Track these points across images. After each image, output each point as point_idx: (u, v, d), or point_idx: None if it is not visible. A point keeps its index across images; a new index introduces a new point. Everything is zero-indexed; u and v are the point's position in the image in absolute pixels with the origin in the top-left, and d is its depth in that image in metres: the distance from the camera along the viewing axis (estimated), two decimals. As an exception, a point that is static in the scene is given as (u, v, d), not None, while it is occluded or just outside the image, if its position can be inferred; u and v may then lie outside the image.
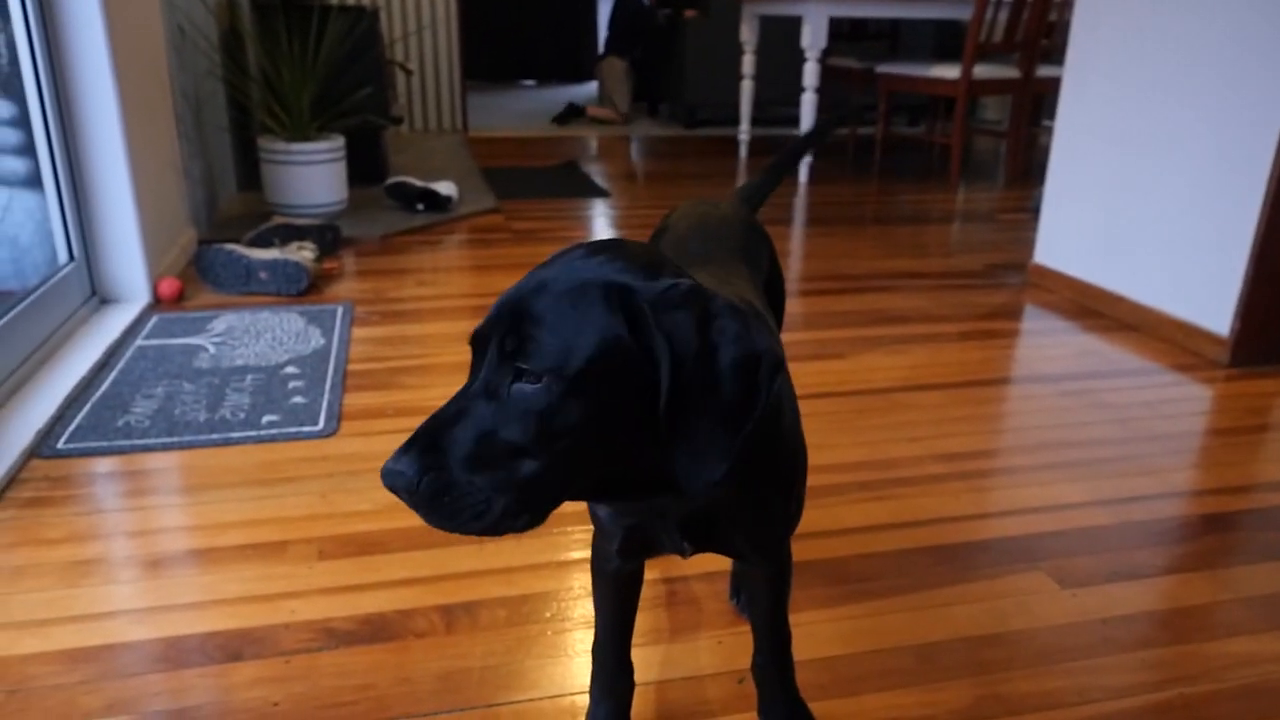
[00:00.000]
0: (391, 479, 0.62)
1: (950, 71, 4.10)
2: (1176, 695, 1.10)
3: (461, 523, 0.63)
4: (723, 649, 1.16)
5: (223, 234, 2.96)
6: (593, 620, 1.20)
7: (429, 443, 0.62)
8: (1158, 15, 2.31)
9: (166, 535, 1.38)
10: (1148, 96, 2.36)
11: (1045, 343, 2.30)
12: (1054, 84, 4.27)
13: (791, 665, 1.00)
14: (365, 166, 3.72)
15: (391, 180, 3.47)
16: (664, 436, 0.64)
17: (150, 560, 1.32)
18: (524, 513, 0.64)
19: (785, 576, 0.96)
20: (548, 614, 1.22)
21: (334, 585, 1.27)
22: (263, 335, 2.18)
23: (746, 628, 1.20)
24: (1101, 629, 1.22)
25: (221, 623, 1.19)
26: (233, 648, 1.14)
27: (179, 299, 2.43)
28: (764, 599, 0.97)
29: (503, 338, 0.63)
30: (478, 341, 0.66)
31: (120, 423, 1.72)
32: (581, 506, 1.02)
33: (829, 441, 1.73)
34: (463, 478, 0.62)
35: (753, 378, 0.64)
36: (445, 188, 3.47)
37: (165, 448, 1.64)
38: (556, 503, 0.66)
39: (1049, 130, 5.67)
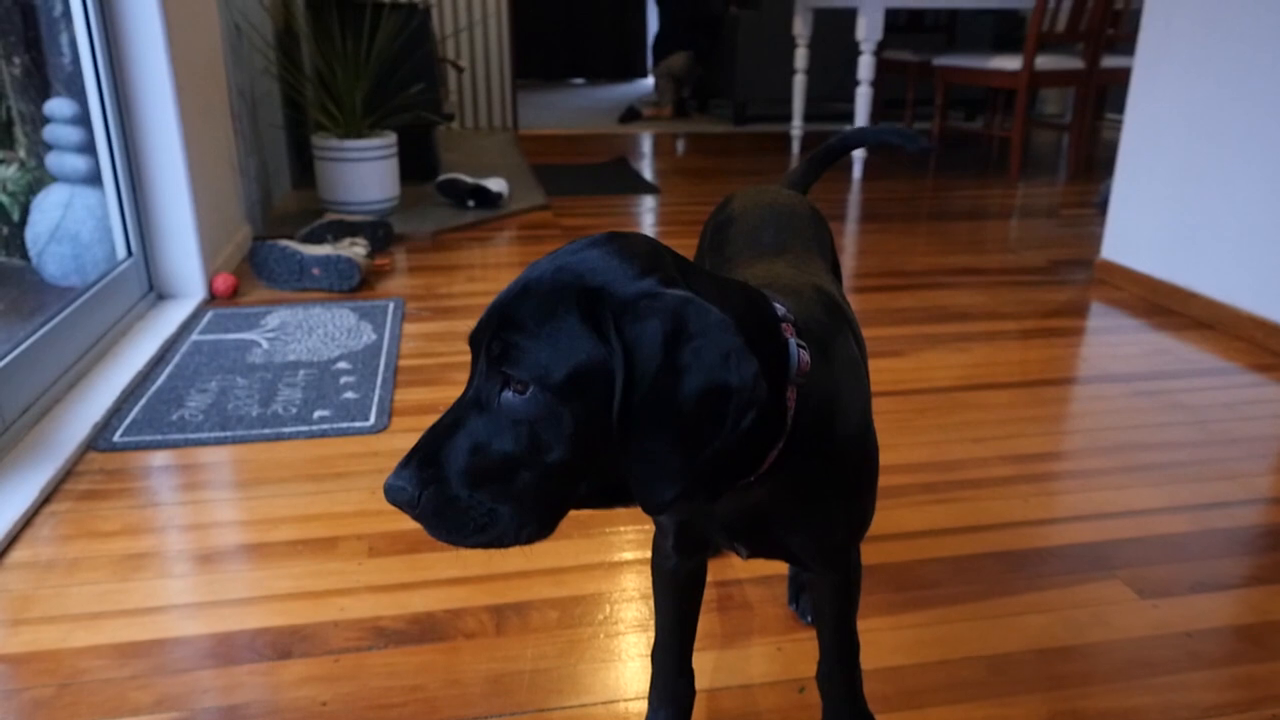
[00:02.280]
0: (393, 495, 0.61)
1: (1011, 63, 3.99)
2: (1270, 716, 1.03)
3: (465, 536, 0.62)
4: (782, 656, 1.11)
5: (277, 231, 2.98)
6: (647, 624, 1.16)
7: (427, 456, 0.62)
8: (1234, 3, 2.20)
9: (218, 530, 1.38)
10: (1224, 84, 2.25)
11: (1115, 341, 2.21)
12: (1119, 75, 4.13)
13: (859, 676, 0.95)
14: (417, 164, 3.73)
15: (442, 177, 3.47)
16: (617, 450, 0.61)
17: (202, 555, 1.32)
18: (528, 524, 0.62)
19: (853, 585, 0.91)
20: (600, 616, 1.19)
21: (384, 583, 1.25)
22: (315, 331, 2.18)
23: (807, 634, 1.15)
24: (1186, 643, 1.15)
25: (271, 619, 1.18)
26: (282, 645, 1.13)
27: (234, 295, 2.45)
28: (829, 607, 0.92)
29: (489, 344, 0.61)
30: (473, 343, 0.64)
31: (175, 417, 1.73)
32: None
33: (889, 441, 1.67)
34: (463, 491, 0.61)
35: (719, 411, 0.59)
36: (496, 184, 3.46)
37: (218, 442, 1.64)
38: (562, 512, 0.64)
39: (1112, 124, 5.52)
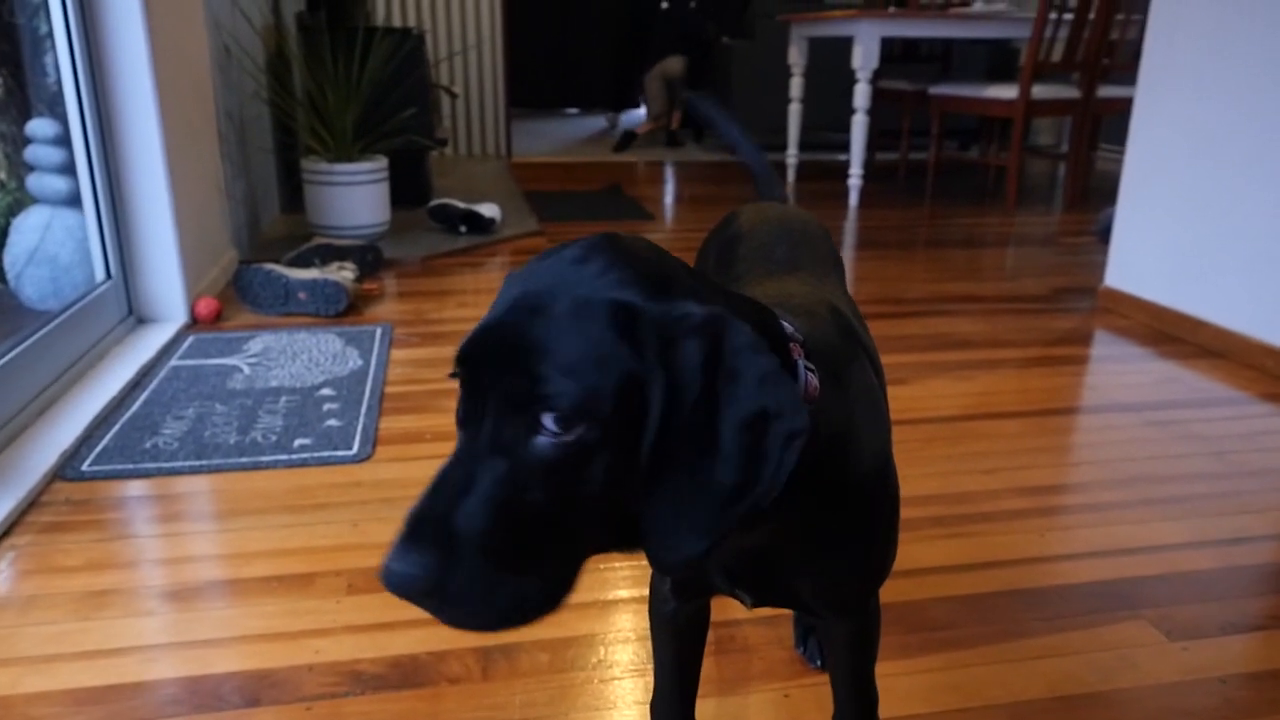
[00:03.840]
0: (400, 584, 0.49)
1: (1008, 92, 3.97)
2: (1317, 770, 0.96)
3: (496, 620, 0.51)
4: (789, 704, 1.04)
5: (265, 255, 2.91)
6: (645, 667, 1.09)
7: (437, 529, 0.50)
8: (1238, 25, 2.17)
9: (187, 565, 1.30)
10: (1229, 108, 2.22)
11: (1122, 369, 2.15)
12: (1115, 105, 4.12)
13: (876, 729, 0.88)
14: (409, 189, 3.68)
15: (434, 202, 3.42)
16: (640, 493, 0.53)
17: (168, 592, 1.23)
18: (560, 589, 0.53)
19: (871, 635, 0.83)
20: (594, 660, 1.11)
21: (362, 623, 1.17)
22: (299, 356, 2.11)
23: (816, 679, 1.07)
24: (1221, 690, 1.07)
25: (240, 663, 1.09)
26: (251, 691, 1.05)
27: (217, 319, 2.38)
28: (844, 658, 0.84)
29: (506, 378, 0.51)
30: (469, 372, 0.53)
31: (148, 444, 1.65)
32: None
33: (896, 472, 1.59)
34: (489, 565, 0.50)
35: (758, 443, 0.52)
36: (488, 210, 3.41)
37: (192, 471, 1.56)
38: (581, 568, 0.55)
39: (1106, 155, 5.51)
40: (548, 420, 0.50)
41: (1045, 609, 1.22)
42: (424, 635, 1.15)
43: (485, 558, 0.50)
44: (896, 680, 1.08)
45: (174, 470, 1.56)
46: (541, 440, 0.50)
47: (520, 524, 0.51)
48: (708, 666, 1.09)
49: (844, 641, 0.83)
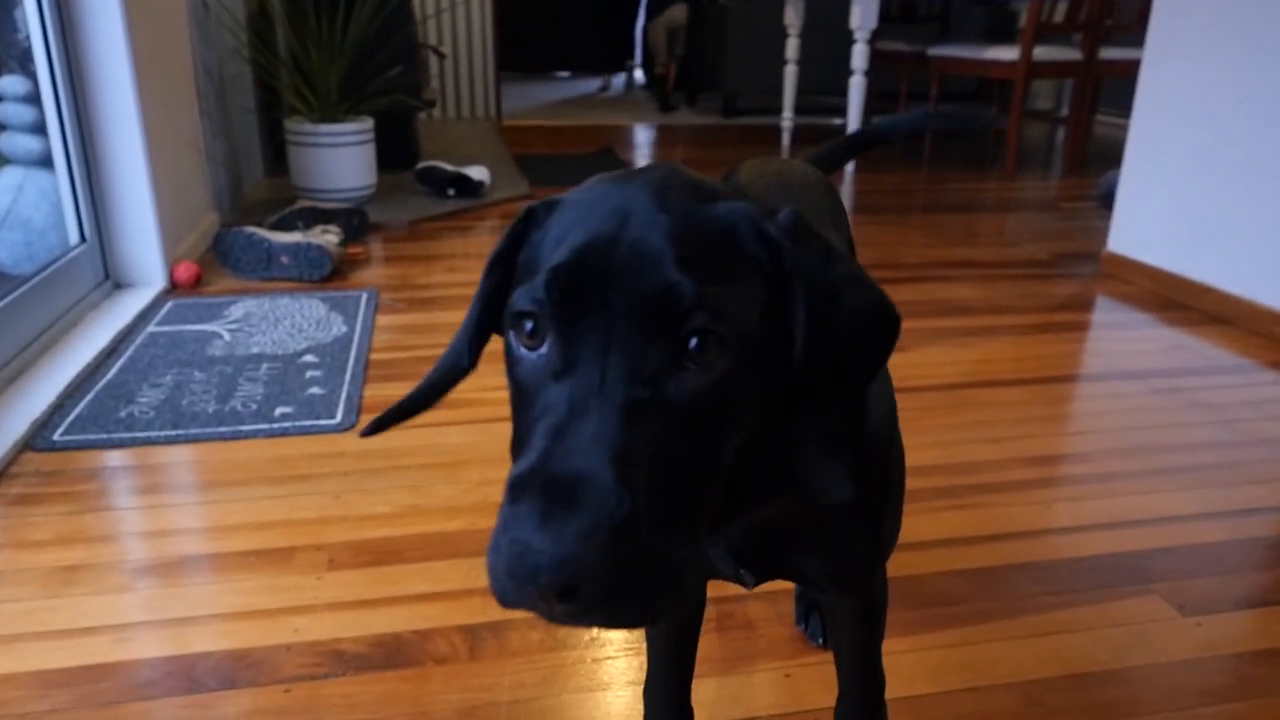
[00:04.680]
0: (559, 567, 0.38)
1: (1008, 53, 3.88)
2: (1339, 751, 0.92)
3: (659, 608, 0.42)
4: (791, 684, 0.99)
5: (247, 218, 2.83)
6: (639, 646, 1.04)
7: (583, 492, 0.40)
8: (1255, -23, 2.10)
9: (162, 539, 1.24)
10: (1238, 71, 2.15)
11: (1126, 336, 2.10)
12: (1116, 67, 4.04)
13: (884, 713, 0.83)
14: (396, 151, 3.58)
15: (422, 165, 3.33)
16: (785, 422, 0.49)
17: (141, 567, 1.18)
18: (701, 563, 0.47)
19: (878, 612, 0.79)
20: (586, 638, 1.06)
21: (344, 600, 1.12)
22: (281, 322, 2.04)
23: (819, 657, 1.03)
24: (1238, 666, 1.03)
25: (216, 642, 1.04)
26: (227, 673, 1.00)
27: (196, 284, 2.30)
28: (849, 638, 0.80)
29: (643, 295, 0.43)
30: (577, 301, 0.44)
31: (123, 413, 1.59)
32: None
33: (897, 442, 1.55)
34: (655, 534, 0.41)
35: (886, 337, 0.51)
36: (477, 173, 3.33)
37: (169, 441, 1.50)
38: None
39: (1103, 121, 5.43)
40: (703, 342, 0.44)
41: (1054, 583, 1.18)
42: (409, 612, 1.10)
43: (653, 526, 0.41)
44: (902, 658, 1.04)
45: (150, 440, 1.50)
46: (696, 374, 0.44)
47: (674, 481, 0.43)
48: (707, 645, 1.05)
49: (850, 619, 0.78)
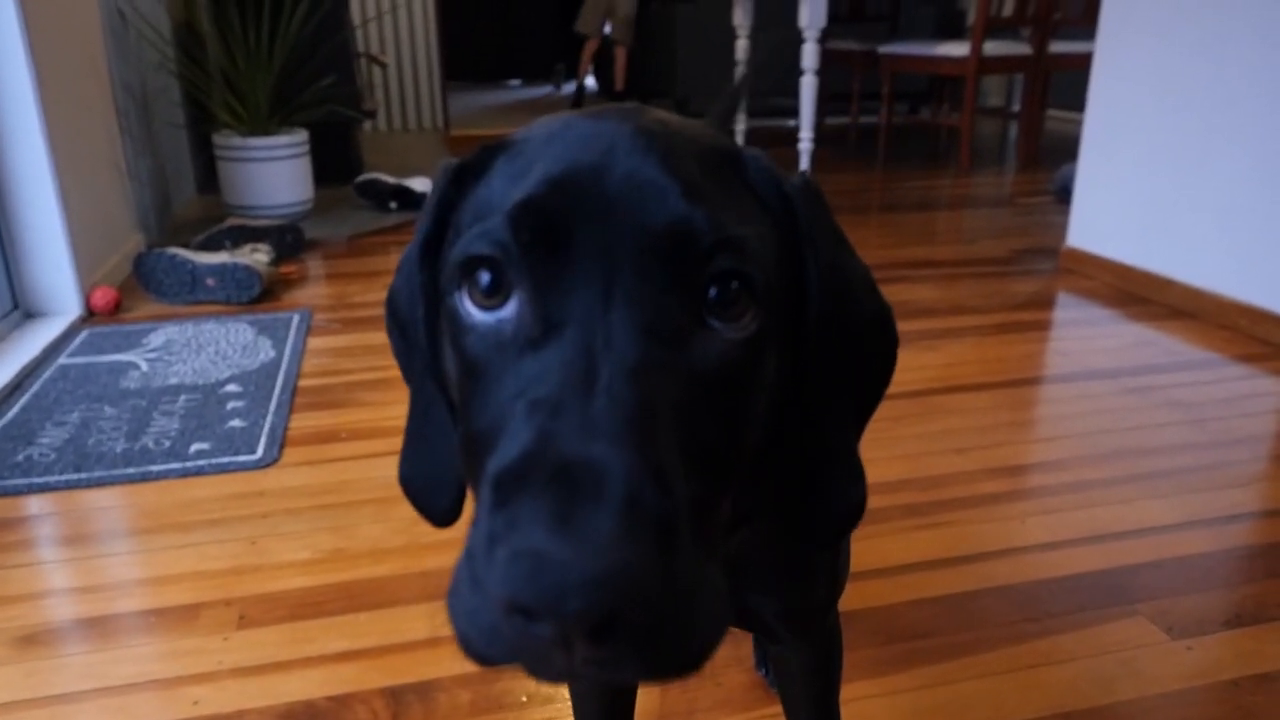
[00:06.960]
0: (572, 596, 0.26)
1: (958, 49, 3.84)
2: (1351, 789, 0.84)
3: (708, 642, 0.30)
4: (751, 740, 0.89)
5: (175, 239, 2.69)
6: (581, 706, 0.93)
7: (607, 482, 0.28)
8: (1206, -38, 2.05)
9: (46, 601, 1.11)
10: (1193, 57, 2.10)
11: (1091, 333, 2.03)
12: (1066, 61, 4.02)
13: (851, 780, 0.73)
14: (336, 165, 3.45)
15: (362, 178, 3.20)
16: (780, 422, 0.41)
17: (19, 635, 1.05)
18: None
19: (834, 658, 0.70)
20: (523, 697, 0.95)
21: (253, 663, 1.00)
22: (205, 349, 1.91)
23: (778, 708, 0.93)
24: (1235, 695, 0.95)
25: (100, 722, 0.92)
26: (110, 758, 0.87)
27: (116, 310, 2.16)
28: (806, 690, 0.70)
29: (654, 230, 0.33)
30: (559, 235, 0.33)
31: (20, 457, 1.45)
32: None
33: (863, 455, 1.46)
34: (697, 543, 0.30)
35: (889, 355, 0.47)
36: (420, 184, 3.20)
37: (67, 486, 1.37)
38: None
39: (1053, 116, 5.43)
40: (725, 292, 0.34)
41: (1033, 608, 1.09)
42: (325, 675, 0.98)
43: (693, 531, 0.30)
44: (870, 703, 0.94)
45: (46, 486, 1.37)
46: (719, 325, 0.34)
47: (704, 472, 0.32)
48: (650, 695, 0.94)
49: (807, 669, 0.69)
